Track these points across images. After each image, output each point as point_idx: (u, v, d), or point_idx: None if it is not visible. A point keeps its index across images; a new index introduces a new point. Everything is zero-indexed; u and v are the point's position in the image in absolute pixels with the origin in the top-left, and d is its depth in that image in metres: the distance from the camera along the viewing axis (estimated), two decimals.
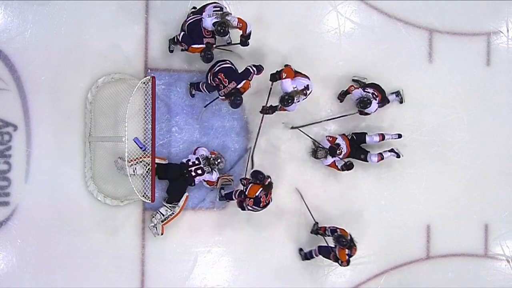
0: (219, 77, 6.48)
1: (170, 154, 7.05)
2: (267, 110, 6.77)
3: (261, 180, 6.47)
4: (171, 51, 6.94)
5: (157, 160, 6.61)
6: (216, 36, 6.44)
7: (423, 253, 7.56)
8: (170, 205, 6.83)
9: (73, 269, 6.86)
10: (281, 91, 6.56)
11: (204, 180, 6.83)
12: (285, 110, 6.67)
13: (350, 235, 6.73)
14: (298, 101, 6.58)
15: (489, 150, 7.70)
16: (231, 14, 6.45)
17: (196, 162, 6.76)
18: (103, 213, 6.90)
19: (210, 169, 6.76)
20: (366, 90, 6.90)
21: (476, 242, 7.67)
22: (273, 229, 7.28)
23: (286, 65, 6.72)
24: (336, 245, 6.70)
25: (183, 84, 7.08)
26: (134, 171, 6.49)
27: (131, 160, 6.41)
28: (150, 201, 6.40)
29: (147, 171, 6.47)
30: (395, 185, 7.44)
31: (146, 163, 6.50)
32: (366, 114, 7.07)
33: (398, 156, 7.25)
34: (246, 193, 6.50)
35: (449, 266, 7.59)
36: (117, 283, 6.95)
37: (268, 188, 6.50)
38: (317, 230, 7.05)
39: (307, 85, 6.64)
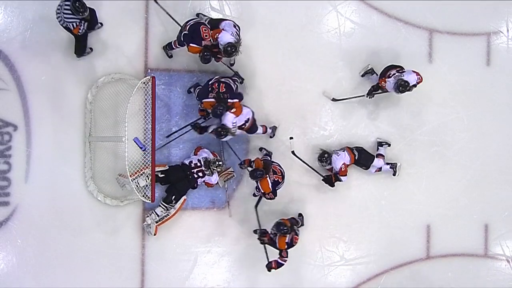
0: (220, 85, 6.51)
1: (170, 154, 7.06)
2: (197, 128, 6.83)
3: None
4: (170, 57, 6.97)
5: (157, 168, 6.61)
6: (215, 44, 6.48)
7: (423, 253, 7.56)
8: (166, 205, 6.81)
9: (73, 269, 6.86)
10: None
11: (204, 183, 6.85)
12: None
13: (296, 221, 6.76)
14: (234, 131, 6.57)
15: (489, 150, 7.70)
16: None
17: (198, 164, 6.75)
18: (103, 213, 6.90)
19: (210, 172, 6.75)
20: (390, 75, 6.86)
21: (476, 242, 7.67)
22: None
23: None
24: (276, 233, 6.61)
25: (183, 84, 7.08)
26: (137, 185, 6.47)
27: (132, 175, 6.39)
28: (150, 201, 6.40)
29: (149, 182, 6.45)
30: (395, 185, 7.44)
31: (147, 174, 6.49)
32: (372, 97, 7.11)
33: (394, 174, 7.34)
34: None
35: (449, 266, 7.59)
36: (117, 283, 6.95)
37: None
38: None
39: (248, 119, 6.62)
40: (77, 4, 6.03)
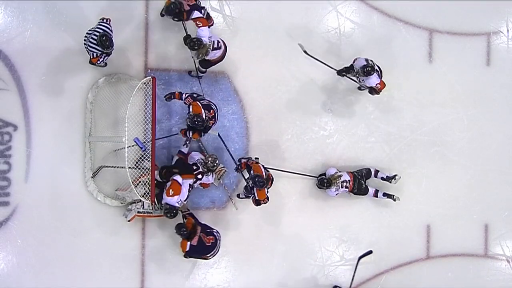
0: (211, 110, 6.44)
1: (170, 154, 7.05)
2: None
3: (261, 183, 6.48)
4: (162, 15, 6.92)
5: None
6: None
7: (423, 253, 7.56)
8: (156, 203, 6.71)
9: (73, 269, 6.85)
10: None
11: (201, 184, 6.77)
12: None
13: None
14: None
15: (489, 150, 7.71)
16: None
17: (195, 167, 6.65)
18: (103, 213, 6.90)
19: (208, 171, 6.68)
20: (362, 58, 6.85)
21: (476, 242, 7.68)
22: (273, 229, 7.28)
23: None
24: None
25: (183, 84, 7.08)
26: (137, 193, 6.42)
27: (129, 187, 6.37)
28: (149, 201, 6.39)
29: (148, 190, 6.43)
30: (395, 185, 7.43)
31: (144, 182, 6.46)
32: (366, 88, 7.05)
33: (394, 199, 7.36)
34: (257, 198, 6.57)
35: (449, 266, 7.59)
36: (117, 283, 6.95)
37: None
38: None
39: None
40: (104, 39, 6.12)
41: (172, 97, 6.51)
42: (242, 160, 6.79)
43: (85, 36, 6.22)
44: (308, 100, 7.38)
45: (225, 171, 7.10)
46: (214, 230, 6.69)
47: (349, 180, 7.03)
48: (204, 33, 6.39)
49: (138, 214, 6.76)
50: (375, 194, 7.26)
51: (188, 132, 6.52)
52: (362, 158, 7.47)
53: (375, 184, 7.30)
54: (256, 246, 7.22)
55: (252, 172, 6.50)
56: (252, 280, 7.23)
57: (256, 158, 6.99)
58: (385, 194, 7.32)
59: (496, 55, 7.71)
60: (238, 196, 7.07)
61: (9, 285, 6.75)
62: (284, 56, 7.28)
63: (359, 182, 7.12)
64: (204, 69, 6.90)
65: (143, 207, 6.76)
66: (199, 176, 6.62)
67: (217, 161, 6.63)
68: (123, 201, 6.83)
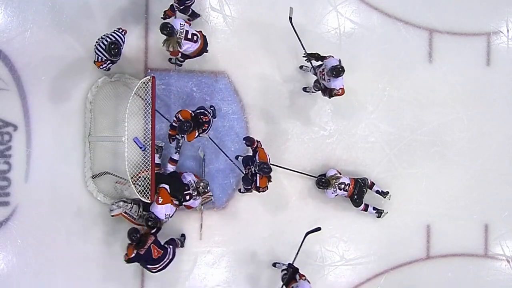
0: (204, 117, 6.46)
1: (170, 154, 7.04)
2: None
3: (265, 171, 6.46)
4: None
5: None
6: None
7: (423, 253, 7.56)
8: (143, 212, 6.68)
9: (73, 269, 6.85)
10: None
11: (185, 205, 6.68)
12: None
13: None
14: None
15: (489, 150, 7.71)
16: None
17: (186, 188, 6.56)
18: (103, 213, 6.90)
19: (198, 195, 6.58)
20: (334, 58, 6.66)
21: (476, 242, 7.68)
22: (273, 229, 7.28)
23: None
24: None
25: (183, 84, 7.08)
26: (136, 188, 6.39)
27: (128, 180, 6.32)
28: (149, 201, 6.39)
29: (147, 185, 6.42)
30: (395, 185, 7.44)
31: (144, 178, 6.45)
32: (324, 90, 6.78)
33: (378, 216, 7.34)
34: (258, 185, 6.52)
35: (449, 266, 7.59)
36: (117, 283, 6.95)
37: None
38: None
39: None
40: (112, 46, 6.15)
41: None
42: (253, 139, 6.70)
43: (98, 39, 6.26)
44: (308, 100, 7.38)
45: (211, 200, 7.03)
46: (170, 247, 6.52)
47: (348, 184, 7.00)
48: (176, 22, 6.36)
49: (123, 214, 6.64)
50: (365, 208, 7.24)
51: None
52: (362, 158, 7.47)
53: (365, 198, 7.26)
54: (256, 246, 7.22)
55: (257, 158, 6.49)
56: (252, 281, 7.23)
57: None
58: (375, 209, 7.32)
59: (496, 55, 7.71)
60: (240, 191, 7.09)
61: (9, 285, 6.75)
62: (284, 56, 7.28)
63: (361, 189, 7.08)
64: (181, 61, 6.88)
65: (131, 211, 6.68)
66: (187, 198, 6.55)
67: (208, 187, 6.63)
68: (121, 193, 6.79)
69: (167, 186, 6.46)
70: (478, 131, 7.69)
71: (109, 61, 6.31)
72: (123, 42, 6.32)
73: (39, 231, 6.77)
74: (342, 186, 6.98)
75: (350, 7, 7.48)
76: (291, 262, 6.53)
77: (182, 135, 6.48)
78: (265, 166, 6.42)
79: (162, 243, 6.50)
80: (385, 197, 7.31)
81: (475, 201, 7.66)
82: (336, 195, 7.05)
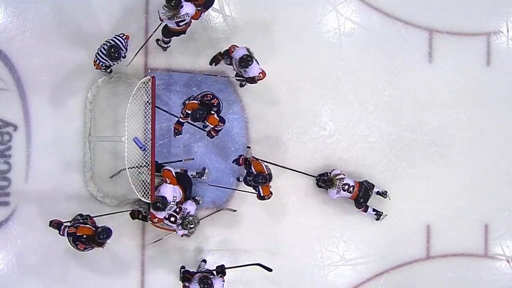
0: (206, 98, 6.37)
1: (170, 154, 7.06)
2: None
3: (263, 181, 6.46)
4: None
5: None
6: None
7: (423, 253, 7.56)
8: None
9: (73, 269, 6.86)
10: None
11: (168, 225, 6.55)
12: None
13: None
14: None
15: (489, 150, 7.70)
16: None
17: (175, 214, 6.40)
18: (103, 213, 6.89)
19: (181, 227, 6.44)
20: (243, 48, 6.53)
21: (476, 242, 7.67)
22: (273, 229, 7.28)
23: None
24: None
25: (183, 84, 7.08)
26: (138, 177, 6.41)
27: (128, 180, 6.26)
28: (149, 201, 6.39)
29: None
30: (395, 185, 7.44)
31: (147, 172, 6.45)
32: (246, 79, 6.66)
33: (377, 218, 7.32)
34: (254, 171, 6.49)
35: (449, 266, 7.58)
36: (117, 283, 6.96)
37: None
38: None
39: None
40: (112, 50, 6.12)
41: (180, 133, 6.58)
42: (242, 156, 6.79)
43: (100, 45, 6.26)
44: (308, 100, 7.38)
45: (194, 232, 6.76)
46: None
47: (353, 186, 6.95)
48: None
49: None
50: (365, 209, 7.24)
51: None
52: (362, 158, 7.47)
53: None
54: (256, 246, 7.21)
55: (252, 169, 6.50)
56: (252, 280, 7.23)
57: (248, 148, 7.03)
58: (374, 210, 7.31)
59: (496, 55, 7.71)
60: (238, 179, 7.14)
61: (9, 285, 6.75)
62: (284, 56, 7.28)
63: (367, 192, 7.05)
64: (166, 40, 6.75)
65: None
66: (172, 219, 6.42)
67: (195, 226, 6.42)
68: (122, 199, 6.82)
69: (171, 169, 6.42)
70: (478, 131, 7.69)
71: (106, 65, 6.31)
72: (125, 47, 6.29)
73: (39, 231, 6.77)
74: (346, 187, 6.93)
75: (350, 7, 7.48)
76: (223, 265, 6.56)
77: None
78: (259, 177, 6.40)
79: None
80: (385, 197, 7.30)
81: (475, 201, 7.66)
82: (338, 196, 7.02)
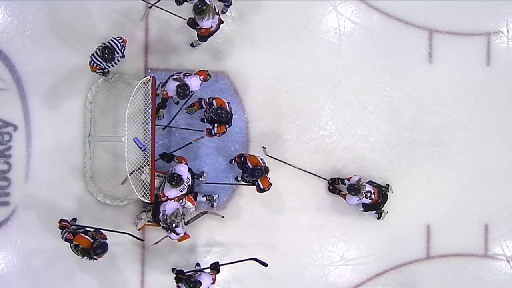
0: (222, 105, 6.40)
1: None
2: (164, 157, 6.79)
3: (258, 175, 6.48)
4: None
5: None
6: None
7: (423, 253, 7.56)
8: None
9: (73, 269, 6.85)
10: None
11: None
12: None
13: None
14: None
15: (489, 150, 7.70)
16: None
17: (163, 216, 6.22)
18: (103, 213, 6.90)
19: (169, 231, 6.24)
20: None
21: (476, 242, 7.67)
22: (273, 229, 7.28)
23: None
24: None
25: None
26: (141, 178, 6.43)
27: (128, 180, 6.30)
28: (149, 201, 6.39)
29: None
30: (395, 185, 7.43)
31: (149, 172, 6.43)
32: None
33: (378, 217, 7.31)
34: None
35: (449, 266, 7.58)
36: (117, 283, 6.96)
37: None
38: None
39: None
40: (106, 51, 6.10)
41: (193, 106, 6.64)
42: (234, 159, 6.81)
43: (98, 46, 6.27)
44: (308, 100, 7.38)
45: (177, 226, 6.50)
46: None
47: (374, 193, 6.90)
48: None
49: (147, 223, 6.73)
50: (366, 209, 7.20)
51: (212, 128, 6.47)
52: (362, 158, 7.47)
53: None
54: (256, 246, 7.21)
55: (248, 164, 6.49)
56: (252, 280, 7.23)
57: (263, 148, 7.07)
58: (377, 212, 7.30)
59: (496, 55, 7.70)
60: (236, 179, 7.15)
61: (9, 285, 6.75)
62: (284, 56, 7.29)
63: (385, 194, 7.05)
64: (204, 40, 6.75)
65: (149, 217, 6.69)
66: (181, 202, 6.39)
67: (175, 218, 6.16)
68: (122, 199, 6.83)
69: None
70: (478, 131, 7.68)
71: (99, 67, 6.28)
72: (120, 51, 6.26)
73: (39, 231, 6.78)
74: (368, 194, 6.87)
75: (350, 7, 7.48)
76: (218, 262, 6.60)
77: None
78: (256, 171, 6.41)
79: None
80: (387, 192, 7.27)
81: (475, 201, 7.65)
82: (357, 203, 6.94)
